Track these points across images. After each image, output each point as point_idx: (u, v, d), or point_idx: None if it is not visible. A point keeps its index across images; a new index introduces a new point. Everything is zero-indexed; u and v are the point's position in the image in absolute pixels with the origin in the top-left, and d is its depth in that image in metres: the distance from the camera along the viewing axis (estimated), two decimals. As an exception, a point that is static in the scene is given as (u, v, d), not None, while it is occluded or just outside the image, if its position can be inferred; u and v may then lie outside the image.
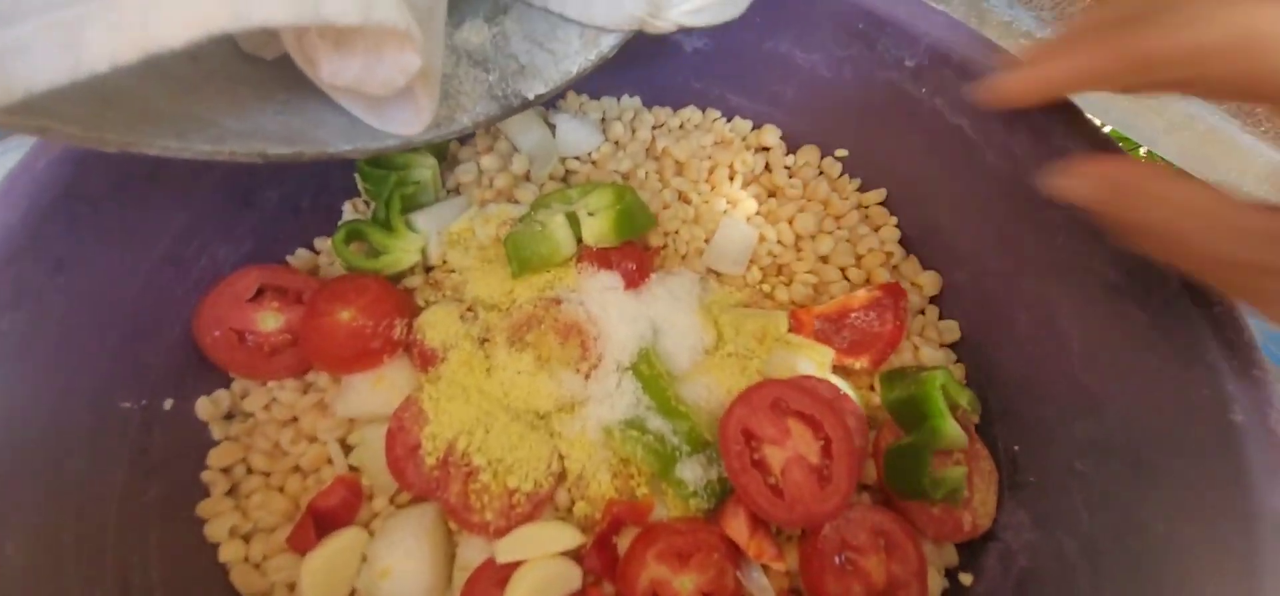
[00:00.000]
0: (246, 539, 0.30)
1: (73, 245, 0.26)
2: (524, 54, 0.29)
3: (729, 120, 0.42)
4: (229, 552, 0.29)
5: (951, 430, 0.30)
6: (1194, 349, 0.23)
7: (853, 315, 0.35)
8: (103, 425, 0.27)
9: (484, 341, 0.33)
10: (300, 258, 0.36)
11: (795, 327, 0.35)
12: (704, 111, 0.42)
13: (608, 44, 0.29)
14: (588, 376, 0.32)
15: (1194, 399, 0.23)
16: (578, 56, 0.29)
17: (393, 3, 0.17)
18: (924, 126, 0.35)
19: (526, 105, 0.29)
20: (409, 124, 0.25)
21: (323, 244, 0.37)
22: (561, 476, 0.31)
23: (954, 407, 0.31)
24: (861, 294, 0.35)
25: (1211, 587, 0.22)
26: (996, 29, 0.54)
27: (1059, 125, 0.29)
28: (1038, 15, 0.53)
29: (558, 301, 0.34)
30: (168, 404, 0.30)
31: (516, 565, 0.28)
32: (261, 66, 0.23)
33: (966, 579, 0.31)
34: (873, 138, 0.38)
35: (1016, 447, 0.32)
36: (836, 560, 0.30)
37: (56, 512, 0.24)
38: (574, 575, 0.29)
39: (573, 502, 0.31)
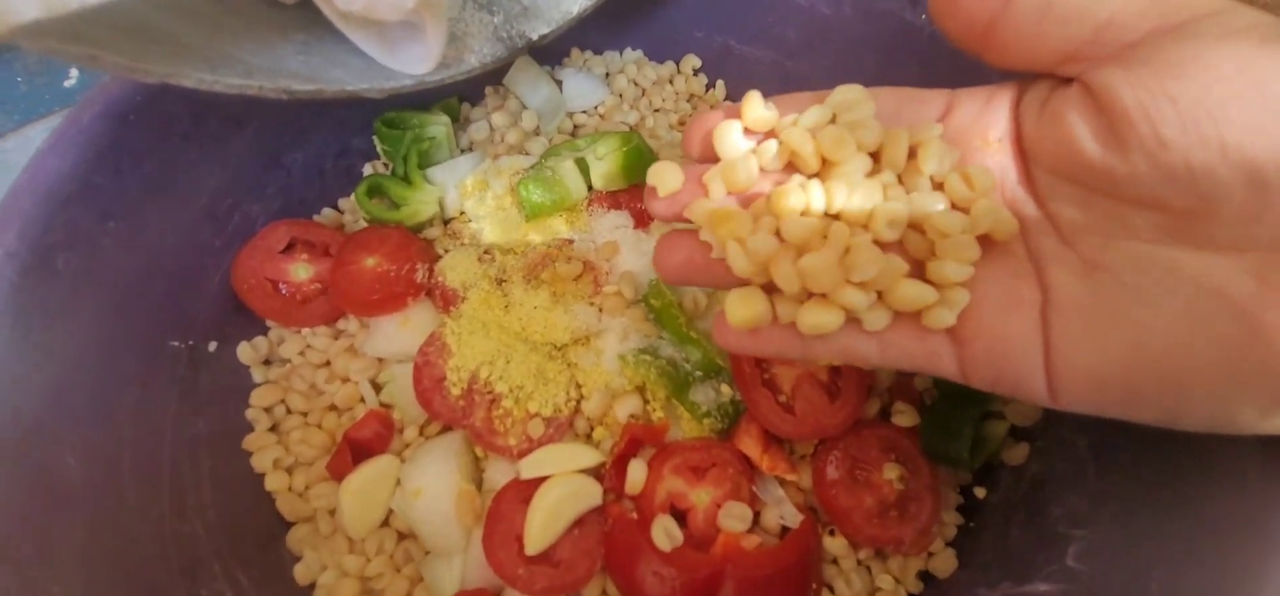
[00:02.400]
0: (289, 470, 0.32)
1: (118, 196, 0.28)
2: (527, -5, 0.30)
3: (713, 83, 0.43)
4: (274, 482, 0.31)
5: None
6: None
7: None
8: (154, 361, 0.29)
9: (501, 281, 0.34)
10: (325, 217, 0.38)
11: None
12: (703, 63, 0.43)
13: (607, -19, 0.30)
14: (601, 309, 0.33)
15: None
16: (579, -5, 0.30)
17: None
18: (926, 55, 0.35)
19: (531, 45, 0.30)
20: (420, 62, 0.26)
21: (346, 204, 0.39)
22: (579, 404, 0.32)
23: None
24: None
25: (1221, 457, 0.22)
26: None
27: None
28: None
29: (570, 241, 0.35)
30: (212, 346, 0.32)
31: (540, 483, 0.29)
32: (283, 11, 0.25)
33: (981, 492, 0.32)
34: (877, 72, 0.38)
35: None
36: (848, 474, 0.31)
37: (114, 435, 0.26)
38: (594, 491, 0.30)
39: (591, 428, 0.32)
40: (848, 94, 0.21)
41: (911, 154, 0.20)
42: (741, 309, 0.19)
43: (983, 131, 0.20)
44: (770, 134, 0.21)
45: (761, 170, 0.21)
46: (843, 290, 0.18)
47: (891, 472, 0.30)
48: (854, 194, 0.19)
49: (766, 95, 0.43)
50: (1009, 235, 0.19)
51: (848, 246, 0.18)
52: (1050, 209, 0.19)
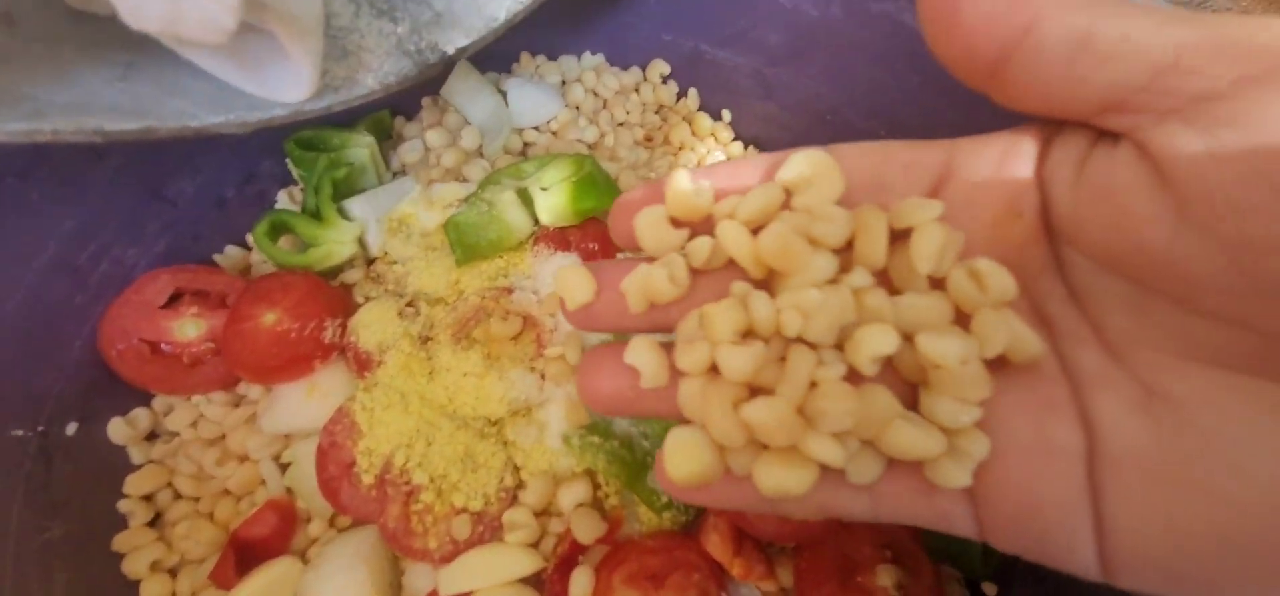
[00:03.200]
0: (172, 573, 0.27)
1: (-71, 256, 0.22)
2: (439, -1, 0.24)
3: (685, 91, 0.38)
4: (152, 590, 0.26)
5: None
6: None
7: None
8: (-14, 458, 0.24)
9: (426, 340, 0.29)
10: (230, 256, 0.33)
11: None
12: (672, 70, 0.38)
13: (541, -19, 0.24)
14: (544, 375, 0.28)
15: None
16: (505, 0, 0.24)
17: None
18: (927, 63, 0.29)
19: (446, 61, 0.24)
20: (292, 87, 0.20)
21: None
22: (516, 491, 0.27)
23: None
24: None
25: None
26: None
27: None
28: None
29: (509, 290, 0.30)
30: (71, 429, 0.27)
31: (464, 596, 0.24)
32: (95, 26, 0.19)
33: (991, 590, 0.27)
34: (870, 82, 0.32)
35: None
36: (836, 579, 0.26)
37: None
38: (531, 605, 0.25)
39: (528, 523, 0.27)
40: (803, 166, 0.15)
41: (900, 237, 0.15)
42: (683, 461, 0.14)
43: (999, 201, 0.15)
44: (707, 223, 0.16)
45: (695, 272, 0.15)
46: (810, 441, 0.13)
47: (887, 578, 0.25)
48: (816, 316, 0.13)
49: (745, 108, 0.38)
50: (1032, 360, 0.14)
51: (813, 382, 0.13)
52: (1093, 312, 0.14)
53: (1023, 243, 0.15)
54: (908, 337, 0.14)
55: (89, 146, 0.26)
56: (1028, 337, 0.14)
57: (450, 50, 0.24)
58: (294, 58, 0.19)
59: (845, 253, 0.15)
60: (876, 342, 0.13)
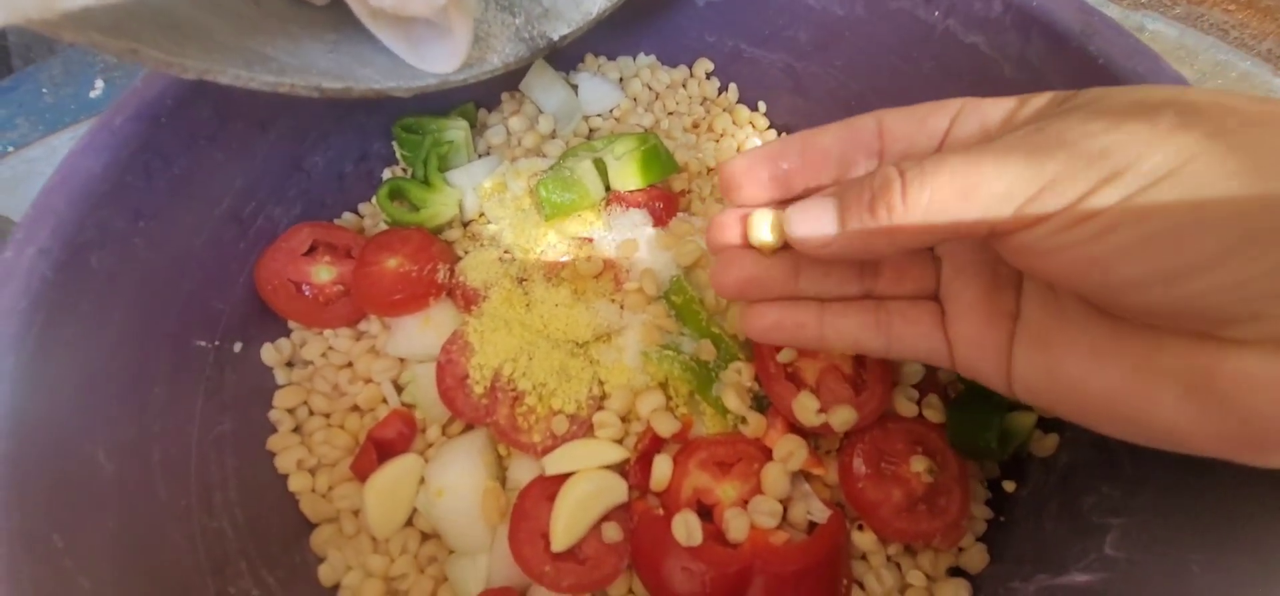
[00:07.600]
0: (312, 471, 0.32)
1: (149, 196, 0.28)
2: (548, -3, 0.30)
3: (726, 86, 0.44)
4: (297, 483, 0.31)
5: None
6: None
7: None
8: (181, 360, 0.29)
9: (522, 280, 0.35)
10: (346, 221, 0.39)
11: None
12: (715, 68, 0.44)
13: (626, -17, 0.31)
14: (623, 305, 0.33)
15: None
16: (598, -2, 0.31)
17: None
18: (940, 51, 0.35)
19: (552, 46, 0.30)
20: (446, 61, 0.27)
21: (366, 208, 0.39)
22: (602, 400, 0.32)
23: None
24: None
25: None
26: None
27: (1077, 26, 0.29)
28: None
29: (590, 240, 0.35)
30: (237, 347, 0.32)
31: (564, 479, 0.29)
32: (314, 11, 0.25)
33: (1010, 486, 0.31)
34: (890, 71, 0.38)
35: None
36: (875, 467, 0.30)
37: (143, 432, 0.26)
38: (619, 487, 0.30)
39: (614, 423, 0.32)
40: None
41: None
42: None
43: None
44: None
45: None
46: None
47: (919, 465, 0.30)
48: None
49: (778, 100, 0.44)
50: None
51: None
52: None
53: None
54: None
55: (257, 120, 0.33)
56: None
57: (555, 37, 0.30)
58: (457, 37, 0.25)
59: None
60: None
